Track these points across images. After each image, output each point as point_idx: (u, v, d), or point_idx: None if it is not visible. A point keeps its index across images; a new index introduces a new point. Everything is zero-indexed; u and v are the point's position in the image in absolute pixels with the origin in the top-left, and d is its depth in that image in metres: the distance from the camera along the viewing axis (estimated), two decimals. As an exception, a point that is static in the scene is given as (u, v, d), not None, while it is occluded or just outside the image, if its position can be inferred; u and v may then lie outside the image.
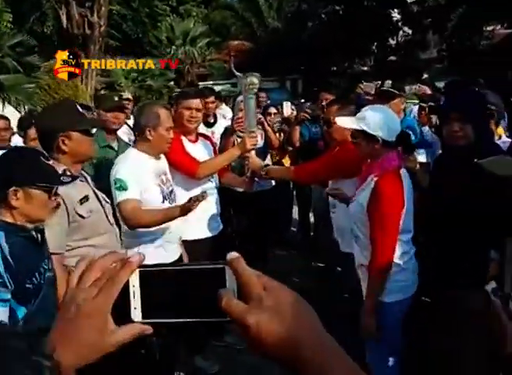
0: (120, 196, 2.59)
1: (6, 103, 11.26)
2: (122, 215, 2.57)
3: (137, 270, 0.62)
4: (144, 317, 0.62)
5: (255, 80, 2.86)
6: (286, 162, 5.31)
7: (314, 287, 4.30)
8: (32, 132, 3.80)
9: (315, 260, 4.95)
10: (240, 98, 3.18)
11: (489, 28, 15.55)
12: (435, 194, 2.38)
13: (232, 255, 0.61)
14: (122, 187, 2.60)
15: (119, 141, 3.49)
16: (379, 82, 4.58)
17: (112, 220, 2.50)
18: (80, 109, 2.33)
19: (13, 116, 7.57)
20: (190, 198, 2.49)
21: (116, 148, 3.38)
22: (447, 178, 2.30)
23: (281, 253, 5.37)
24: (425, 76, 17.29)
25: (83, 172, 2.47)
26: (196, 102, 3.11)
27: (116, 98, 3.48)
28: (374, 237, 2.30)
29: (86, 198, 2.30)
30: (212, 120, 4.73)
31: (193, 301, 0.61)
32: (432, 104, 3.70)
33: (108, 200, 2.55)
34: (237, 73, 2.96)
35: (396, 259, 2.32)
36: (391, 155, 2.34)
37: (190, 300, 0.61)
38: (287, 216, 5.90)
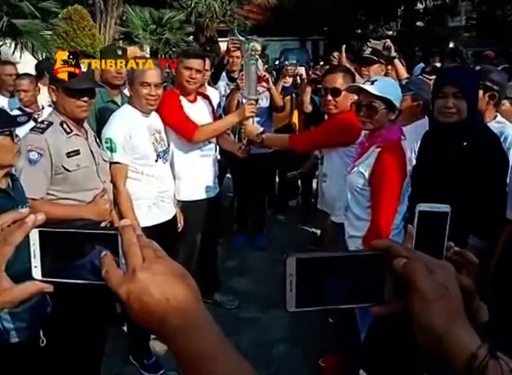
0: (109, 157, 2.65)
1: (24, 49, 11.19)
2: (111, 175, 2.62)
3: (37, 230, 0.65)
4: (43, 275, 0.66)
5: (258, 47, 2.81)
6: (296, 123, 5.23)
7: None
8: (22, 82, 3.84)
9: (314, 227, 4.99)
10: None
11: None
12: (422, 173, 2.35)
13: (123, 222, 0.64)
14: (111, 148, 2.65)
15: (123, 96, 3.48)
16: (387, 40, 4.35)
17: (105, 178, 2.53)
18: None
19: (31, 62, 7.62)
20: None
21: (120, 103, 3.38)
22: (436, 156, 2.26)
23: (281, 218, 5.41)
24: (452, 44, 16.74)
25: (86, 126, 2.50)
26: (197, 63, 3.03)
27: (120, 52, 3.41)
28: (376, 206, 2.33)
29: (76, 152, 2.33)
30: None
31: (89, 263, 0.64)
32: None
33: (106, 159, 2.59)
34: (240, 37, 2.89)
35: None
36: (395, 126, 2.37)
37: (86, 262, 0.64)
38: (292, 181, 5.88)
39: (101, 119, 3.12)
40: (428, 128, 2.53)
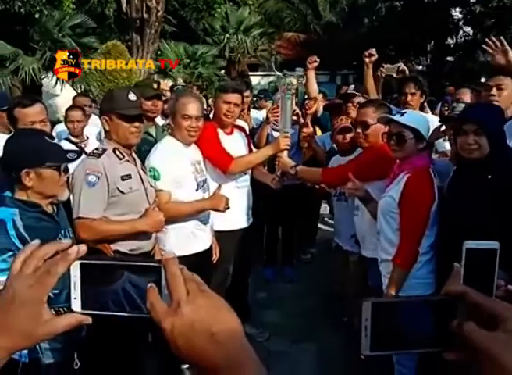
0: (154, 185, 2.72)
1: (65, 82, 11.70)
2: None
3: (78, 262, 0.64)
4: (82, 308, 0.65)
5: (294, 81, 2.88)
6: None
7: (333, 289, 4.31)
8: (76, 114, 3.93)
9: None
10: (279, 95, 3.22)
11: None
12: (451, 208, 2.35)
13: (167, 254, 0.65)
14: (155, 177, 2.74)
15: (157, 127, 3.60)
16: (401, 64, 4.22)
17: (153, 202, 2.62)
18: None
19: (70, 94, 8.16)
20: (219, 185, 2.74)
21: (154, 135, 3.50)
22: (461, 192, 2.27)
23: (310, 251, 5.39)
24: (483, 79, 16.62)
25: (134, 154, 2.64)
26: (235, 97, 3.14)
27: (155, 86, 3.59)
28: (403, 228, 2.40)
29: (128, 176, 2.46)
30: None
31: (130, 295, 0.64)
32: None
33: (153, 185, 2.70)
34: (277, 72, 2.98)
35: (420, 255, 2.40)
36: (423, 154, 2.48)
37: (127, 294, 0.64)
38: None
39: (138, 151, 3.24)
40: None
